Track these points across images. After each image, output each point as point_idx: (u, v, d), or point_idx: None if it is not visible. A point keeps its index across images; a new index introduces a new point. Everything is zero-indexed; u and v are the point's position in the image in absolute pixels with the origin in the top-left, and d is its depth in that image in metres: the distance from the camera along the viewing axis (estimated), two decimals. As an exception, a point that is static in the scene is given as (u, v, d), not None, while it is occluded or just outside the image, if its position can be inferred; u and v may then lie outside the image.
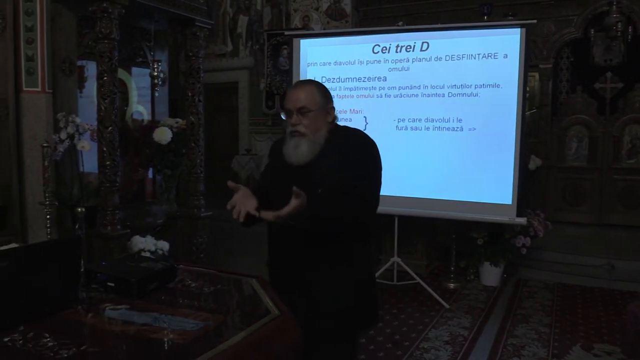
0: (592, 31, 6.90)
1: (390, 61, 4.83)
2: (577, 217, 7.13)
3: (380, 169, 2.02)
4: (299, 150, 1.93)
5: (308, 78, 2.11)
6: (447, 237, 5.47)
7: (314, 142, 1.94)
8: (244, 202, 1.80)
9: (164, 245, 4.11)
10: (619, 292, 5.00)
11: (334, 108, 2.02)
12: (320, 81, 2.15)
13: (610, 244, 6.03)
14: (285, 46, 8.07)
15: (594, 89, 7.19)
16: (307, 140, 1.93)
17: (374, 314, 2.14)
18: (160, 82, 5.23)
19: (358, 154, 1.96)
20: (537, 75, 7.42)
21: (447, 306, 4.57)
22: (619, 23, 6.40)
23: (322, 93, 1.99)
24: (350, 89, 4.94)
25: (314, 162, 1.93)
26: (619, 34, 6.45)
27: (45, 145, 3.55)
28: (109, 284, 1.76)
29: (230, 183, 1.86)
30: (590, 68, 7.20)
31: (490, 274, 5.24)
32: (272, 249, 2.10)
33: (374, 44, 4.89)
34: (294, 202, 1.70)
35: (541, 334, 4.00)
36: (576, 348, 3.73)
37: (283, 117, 2.04)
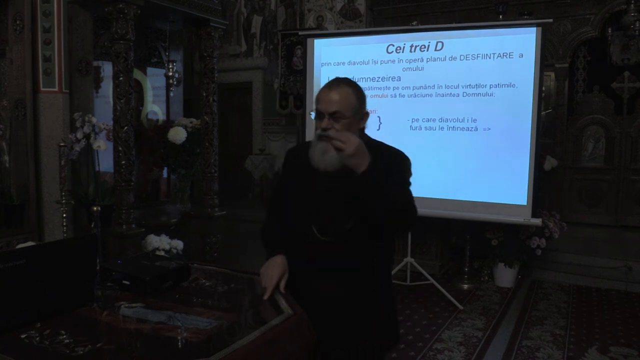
0: (610, 30, 6.83)
1: (404, 61, 4.81)
2: (593, 218, 7.05)
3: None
4: (328, 157, 1.72)
5: (345, 77, 1.89)
6: (461, 237, 5.44)
7: None
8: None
9: (178, 244, 4.14)
10: (636, 294, 4.93)
11: (368, 113, 1.85)
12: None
13: (627, 245, 5.95)
14: (299, 46, 8.07)
15: (611, 89, 7.10)
16: None
17: (396, 331, 2.00)
18: (175, 82, 5.27)
19: (399, 167, 1.92)
20: (552, 74, 7.35)
21: (460, 307, 4.55)
22: (637, 22, 6.31)
23: (358, 97, 1.82)
24: (364, 89, 4.90)
25: (344, 172, 1.72)
26: (637, 32, 6.35)
27: (62, 144, 3.60)
28: (124, 282, 1.78)
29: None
30: (608, 67, 7.11)
31: (505, 275, 5.20)
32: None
33: (388, 44, 4.88)
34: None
35: (556, 336, 3.96)
36: (592, 351, 3.69)
37: (312, 116, 1.88)
